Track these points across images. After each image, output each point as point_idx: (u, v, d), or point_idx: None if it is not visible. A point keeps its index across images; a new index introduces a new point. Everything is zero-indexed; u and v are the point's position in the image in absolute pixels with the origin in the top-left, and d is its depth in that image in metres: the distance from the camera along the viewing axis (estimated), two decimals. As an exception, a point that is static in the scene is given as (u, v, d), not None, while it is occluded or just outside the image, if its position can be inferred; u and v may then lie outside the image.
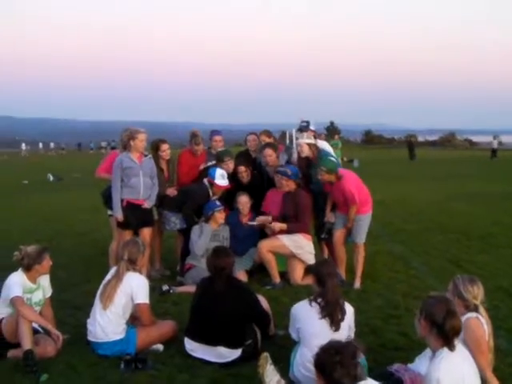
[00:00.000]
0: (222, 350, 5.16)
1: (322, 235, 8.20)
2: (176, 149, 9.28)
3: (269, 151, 8.35)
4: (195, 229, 7.92)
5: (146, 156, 7.86)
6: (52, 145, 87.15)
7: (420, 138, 72.05)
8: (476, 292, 4.41)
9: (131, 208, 7.74)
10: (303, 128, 8.56)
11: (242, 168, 8.38)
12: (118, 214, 7.71)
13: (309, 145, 8.20)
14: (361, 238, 7.88)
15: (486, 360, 4.28)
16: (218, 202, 7.96)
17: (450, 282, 4.55)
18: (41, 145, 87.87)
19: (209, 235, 7.81)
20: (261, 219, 7.93)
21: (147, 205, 7.85)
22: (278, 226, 7.77)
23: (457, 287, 4.43)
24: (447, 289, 4.55)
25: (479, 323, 4.32)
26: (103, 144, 77.19)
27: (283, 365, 4.82)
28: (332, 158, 8.03)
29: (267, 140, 8.88)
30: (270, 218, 7.84)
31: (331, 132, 56.37)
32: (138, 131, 7.76)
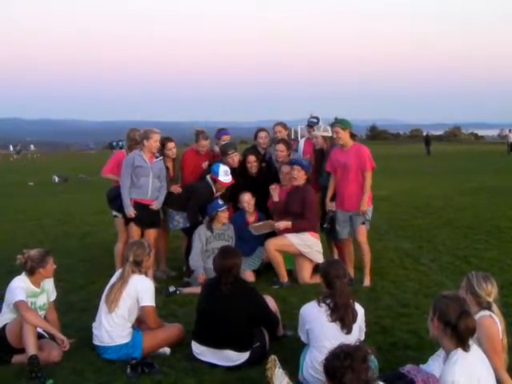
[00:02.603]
0: (229, 353, 5.07)
1: (324, 225, 8.04)
2: (180, 147, 9.21)
3: (281, 147, 8.32)
4: (196, 233, 7.89)
5: (157, 157, 7.84)
6: (18, 146, 77.71)
7: (425, 133, 72.14)
8: (489, 289, 4.34)
9: (139, 208, 7.72)
10: (313, 123, 8.58)
11: (252, 157, 8.32)
12: (129, 210, 7.69)
13: (324, 137, 8.11)
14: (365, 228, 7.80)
15: (501, 359, 4.20)
16: (220, 202, 7.89)
17: (463, 279, 4.49)
18: (11, 147, 73.69)
19: (200, 249, 7.81)
20: (264, 223, 7.93)
21: (155, 206, 7.81)
22: (282, 224, 7.70)
23: (470, 283, 4.37)
24: (460, 285, 4.49)
25: (493, 321, 4.24)
26: (113, 144, 75.46)
27: (292, 367, 4.75)
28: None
29: (283, 132, 8.85)
30: (273, 222, 7.81)
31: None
32: (152, 131, 7.76)
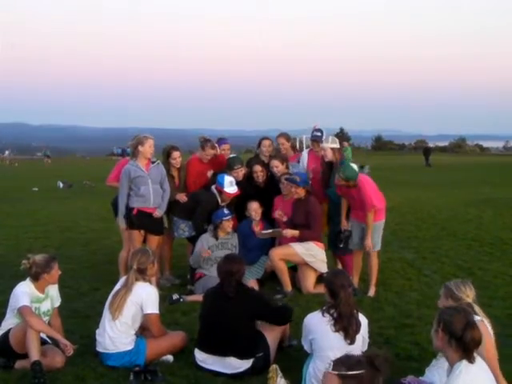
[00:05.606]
0: (232, 360, 5.08)
1: (340, 245, 7.95)
2: (185, 155, 9.21)
3: (275, 162, 8.27)
4: (200, 240, 7.91)
5: (153, 163, 7.83)
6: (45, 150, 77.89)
7: (430, 144, 72.11)
8: (468, 291, 4.45)
9: (142, 216, 7.73)
10: (317, 138, 8.45)
11: (258, 167, 8.30)
12: (122, 224, 7.80)
13: (333, 149, 8.05)
14: (374, 245, 7.74)
15: (496, 365, 4.17)
16: (226, 211, 7.89)
17: (441, 288, 4.62)
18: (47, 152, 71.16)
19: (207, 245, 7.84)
20: (273, 231, 7.92)
21: (158, 213, 7.82)
22: (290, 232, 7.70)
23: (449, 288, 4.49)
24: (440, 295, 4.59)
25: (485, 327, 4.24)
26: (119, 151, 74.58)
27: (295, 377, 4.76)
28: (353, 165, 7.66)
29: (286, 144, 8.78)
30: (281, 230, 7.81)
31: (341, 139, 56.24)
32: (146, 137, 7.79)
